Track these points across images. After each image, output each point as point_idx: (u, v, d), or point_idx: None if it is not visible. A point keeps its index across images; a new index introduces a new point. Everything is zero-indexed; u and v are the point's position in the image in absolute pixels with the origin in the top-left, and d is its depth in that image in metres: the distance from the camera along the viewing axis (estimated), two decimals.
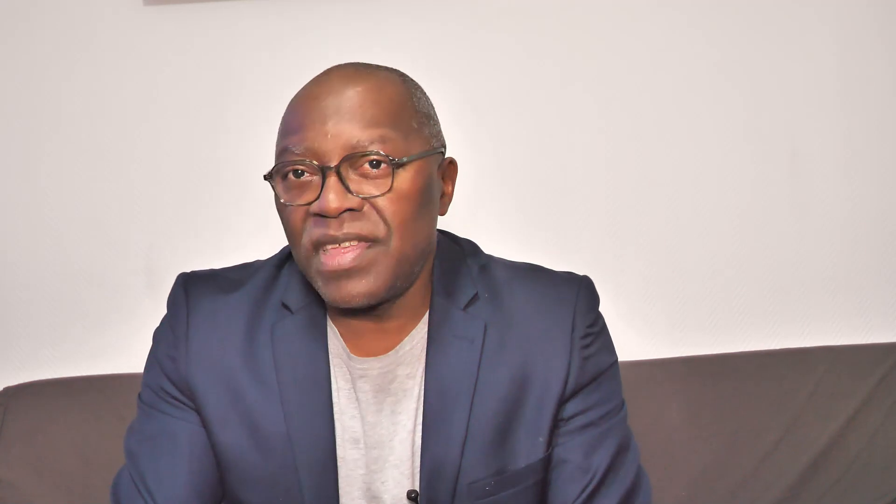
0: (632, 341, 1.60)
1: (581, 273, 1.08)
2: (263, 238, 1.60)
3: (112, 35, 1.62)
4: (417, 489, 0.99)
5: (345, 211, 0.90)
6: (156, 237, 1.63)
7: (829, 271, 1.63)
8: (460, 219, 1.53)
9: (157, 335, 1.06)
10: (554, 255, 1.59)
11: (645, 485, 1.04)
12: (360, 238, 0.91)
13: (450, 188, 1.03)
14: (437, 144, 0.99)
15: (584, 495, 0.99)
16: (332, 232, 0.91)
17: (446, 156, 1.02)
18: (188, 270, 1.08)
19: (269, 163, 1.44)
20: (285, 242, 1.16)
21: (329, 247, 0.92)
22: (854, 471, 1.46)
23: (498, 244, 1.32)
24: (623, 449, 1.03)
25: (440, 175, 1.01)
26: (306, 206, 0.92)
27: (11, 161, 1.63)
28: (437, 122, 1.01)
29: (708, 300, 1.63)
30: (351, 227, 0.91)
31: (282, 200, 0.94)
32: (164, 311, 1.07)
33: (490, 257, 1.09)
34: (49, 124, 1.63)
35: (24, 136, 1.63)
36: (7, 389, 1.54)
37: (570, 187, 1.63)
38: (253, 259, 1.14)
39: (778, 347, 1.59)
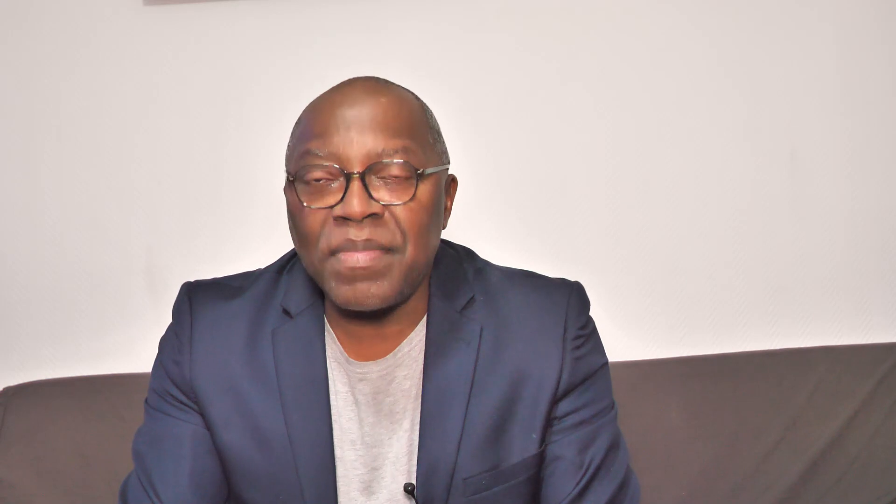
0: (632, 341, 1.60)
1: (578, 276, 1.13)
2: (263, 238, 1.60)
3: (112, 35, 1.63)
4: (414, 483, 1.02)
5: (368, 216, 0.93)
6: (156, 238, 1.63)
7: (829, 271, 1.63)
8: (460, 220, 1.53)
9: (163, 342, 1.09)
10: (553, 255, 1.60)
11: (634, 483, 1.07)
12: (380, 247, 0.94)
13: (450, 203, 1.07)
14: (445, 161, 1.04)
15: (578, 488, 1.02)
16: (353, 237, 0.93)
17: (449, 172, 1.07)
18: (192, 279, 1.11)
19: (270, 162, 1.43)
20: (285, 243, 1.16)
21: (347, 251, 0.94)
22: (854, 471, 1.46)
23: (497, 245, 1.32)
24: (614, 447, 1.06)
25: (445, 190, 1.05)
26: (328, 210, 0.94)
27: (11, 161, 1.63)
28: (443, 140, 1.05)
29: (708, 300, 1.63)
30: (372, 233, 0.93)
31: (304, 203, 0.95)
32: (164, 312, 1.10)
33: (485, 262, 1.12)
34: (49, 124, 1.63)
35: (24, 136, 1.63)
36: (7, 389, 1.54)
37: (570, 188, 1.63)
38: (252, 259, 1.17)
39: (778, 347, 1.59)
